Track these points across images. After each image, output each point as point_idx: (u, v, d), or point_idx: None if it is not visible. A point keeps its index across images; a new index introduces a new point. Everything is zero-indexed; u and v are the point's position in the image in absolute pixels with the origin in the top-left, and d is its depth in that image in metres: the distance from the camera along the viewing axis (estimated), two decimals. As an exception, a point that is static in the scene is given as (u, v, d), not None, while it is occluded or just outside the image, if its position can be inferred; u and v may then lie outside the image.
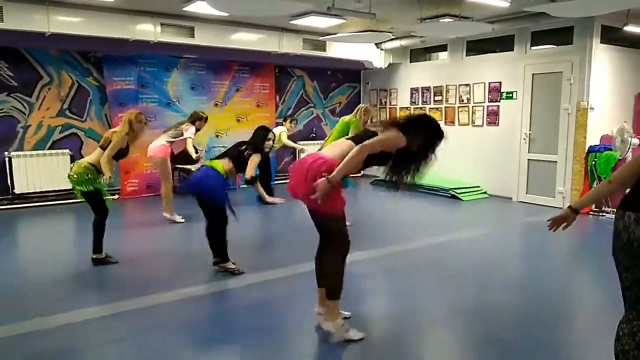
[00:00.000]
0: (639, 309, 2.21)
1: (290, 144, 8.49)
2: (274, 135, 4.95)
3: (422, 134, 3.16)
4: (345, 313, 3.24)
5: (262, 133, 4.64)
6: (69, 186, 4.72)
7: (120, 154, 4.62)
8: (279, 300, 3.83)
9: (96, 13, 6.59)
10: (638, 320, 2.21)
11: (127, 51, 7.71)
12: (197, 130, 6.71)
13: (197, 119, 6.71)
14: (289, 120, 8.57)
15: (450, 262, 4.85)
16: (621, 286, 2.28)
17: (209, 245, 4.38)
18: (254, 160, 4.35)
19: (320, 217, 3.06)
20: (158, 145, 6.37)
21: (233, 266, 4.34)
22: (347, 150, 2.95)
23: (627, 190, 2.24)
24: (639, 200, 2.16)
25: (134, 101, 8.08)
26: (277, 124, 8.82)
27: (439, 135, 3.30)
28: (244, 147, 4.43)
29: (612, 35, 7.10)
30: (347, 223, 3.26)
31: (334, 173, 2.84)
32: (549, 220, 2.53)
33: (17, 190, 7.28)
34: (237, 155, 4.37)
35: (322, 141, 10.04)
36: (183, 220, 6.29)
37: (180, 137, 6.56)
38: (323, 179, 2.81)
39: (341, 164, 2.88)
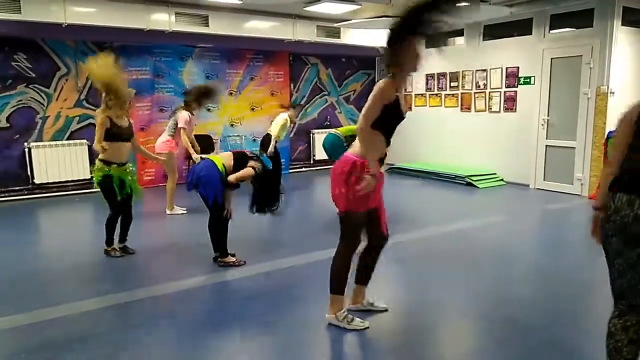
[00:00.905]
0: (630, 299, 2.12)
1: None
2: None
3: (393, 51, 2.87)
4: (365, 323, 3.13)
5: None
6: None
7: (117, 133, 4.43)
8: (282, 291, 3.84)
9: (111, 3, 6.64)
10: (630, 314, 2.12)
11: (142, 41, 7.75)
12: (194, 110, 6.15)
13: (191, 100, 6.10)
14: (293, 108, 7.51)
15: (466, 250, 4.82)
16: (610, 277, 2.19)
17: (210, 240, 4.38)
18: (247, 171, 4.17)
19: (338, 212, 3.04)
20: (161, 141, 6.25)
21: (233, 259, 4.31)
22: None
23: (618, 172, 2.14)
24: (631, 182, 2.06)
25: (150, 91, 8.14)
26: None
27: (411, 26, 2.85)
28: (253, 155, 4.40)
29: (634, 17, 6.91)
30: None
31: (368, 163, 2.82)
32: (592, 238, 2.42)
33: (36, 180, 7.41)
34: (242, 155, 4.35)
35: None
36: (185, 211, 6.23)
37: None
38: (366, 176, 2.79)
39: (359, 149, 2.88)
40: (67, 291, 3.86)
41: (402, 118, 2.97)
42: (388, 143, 2.98)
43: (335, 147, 5.58)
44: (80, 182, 7.64)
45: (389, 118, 2.87)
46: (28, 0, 6.11)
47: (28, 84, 7.37)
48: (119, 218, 4.62)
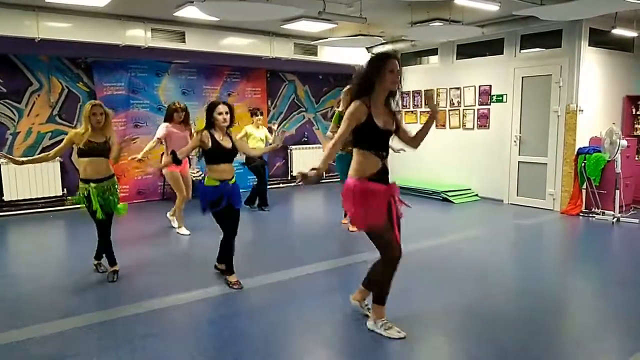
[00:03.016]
0: None
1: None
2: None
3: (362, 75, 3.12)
4: (402, 334, 3.21)
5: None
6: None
7: (90, 149, 4.26)
8: (282, 304, 3.82)
9: (86, 18, 6.57)
10: None
11: (117, 57, 7.67)
12: (173, 122, 5.94)
13: (170, 115, 5.99)
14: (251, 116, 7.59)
15: (442, 264, 4.86)
16: None
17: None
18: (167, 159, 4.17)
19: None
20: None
21: (234, 280, 4.20)
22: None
23: None
24: None
25: (125, 107, 8.04)
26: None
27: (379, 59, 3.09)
28: None
29: (600, 39, 7.19)
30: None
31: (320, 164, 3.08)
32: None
33: (6, 198, 7.20)
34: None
35: (314, 145, 10.14)
36: (189, 233, 6.04)
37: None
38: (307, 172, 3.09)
39: (353, 170, 3.13)
40: (38, 312, 3.74)
41: (384, 131, 3.10)
42: (383, 157, 3.14)
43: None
44: (52, 199, 7.46)
45: (367, 135, 3.05)
46: (0, 14, 6.00)
47: (-1, 99, 7.21)
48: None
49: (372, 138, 3.07)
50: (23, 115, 7.40)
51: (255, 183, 7.65)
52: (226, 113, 4.08)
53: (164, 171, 6.08)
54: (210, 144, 4.02)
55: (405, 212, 3.34)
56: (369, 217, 3.05)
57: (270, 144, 5.72)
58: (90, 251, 4.70)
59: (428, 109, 3.37)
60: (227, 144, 4.13)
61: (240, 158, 7.07)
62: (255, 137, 7.38)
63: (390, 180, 3.19)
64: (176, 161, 4.04)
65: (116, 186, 4.50)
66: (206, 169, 4.16)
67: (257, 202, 7.59)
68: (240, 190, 4.33)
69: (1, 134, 7.25)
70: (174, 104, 6.10)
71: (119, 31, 6.84)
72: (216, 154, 4.07)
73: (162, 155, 3.92)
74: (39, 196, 7.42)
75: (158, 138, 5.91)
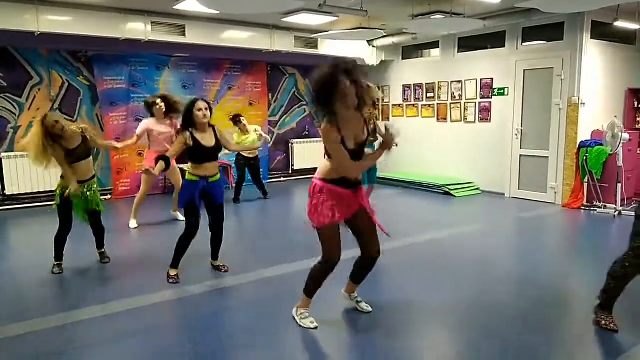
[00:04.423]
0: None
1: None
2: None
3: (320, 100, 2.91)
4: (314, 324, 3.27)
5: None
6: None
7: (73, 155, 4.25)
8: (271, 300, 3.83)
9: (86, 12, 6.54)
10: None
11: (117, 50, 7.65)
12: (155, 116, 5.89)
13: (149, 111, 5.94)
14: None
15: (444, 258, 4.86)
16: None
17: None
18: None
19: None
20: (149, 156, 5.86)
21: (172, 274, 4.19)
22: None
23: None
24: None
25: (125, 100, 8.03)
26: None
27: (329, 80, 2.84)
28: None
29: (602, 31, 7.14)
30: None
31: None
32: None
33: (7, 192, 7.22)
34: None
35: (315, 139, 10.12)
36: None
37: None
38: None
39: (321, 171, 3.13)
40: (36, 306, 3.75)
41: (354, 150, 3.02)
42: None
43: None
44: (53, 193, 7.43)
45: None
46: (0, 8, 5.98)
47: (-1, 93, 7.21)
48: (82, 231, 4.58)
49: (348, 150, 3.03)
50: (24, 109, 7.40)
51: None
52: (206, 109, 4.03)
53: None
54: (191, 144, 3.98)
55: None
56: (320, 215, 3.06)
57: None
58: (92, 243, 4.74)
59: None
60: (209, 142, 4.06)
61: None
62: (242, 143, 7.40)
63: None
64: (167, 166, 4.05)
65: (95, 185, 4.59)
66: (189, 164, 4.13)
67: (238, 197, 7.71)
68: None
69: (2, 127, 7.26)
70: (149, 98, 6.05)
71: (119, 25, 6.82)
72: (198, 154, 4.03)
73: (156, 159, 3.93)
74: (41, 190, 7.42)
75: (136, 134, 5.88)
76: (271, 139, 9.72)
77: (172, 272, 4.19)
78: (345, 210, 3.12)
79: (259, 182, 7.87)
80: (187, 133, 3.99)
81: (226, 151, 4.48)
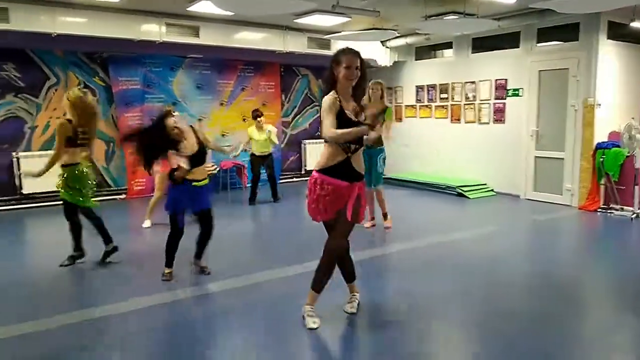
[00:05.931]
0: None
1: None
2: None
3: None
4: (314, 325, 3.26)
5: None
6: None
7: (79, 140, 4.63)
8: (264, 303, 3.83)
9: (101, 13, 6.62)
10: None
11: (132, 51, 7.74)
12: None
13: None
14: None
15: (458, 260, 4.83)
16: None
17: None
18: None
19: None
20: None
21: (167, 271, 4.26)
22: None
23: None
24: None
25: (140, 101, 8.12)
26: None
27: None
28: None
29: (618, 32, 7.04)
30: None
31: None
32: None
33: (25, 191, 7.32)
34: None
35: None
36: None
37: None
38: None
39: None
40: (48, 305, 3.79)
41: (355, 122, 3.11)
42: (350, 150, 3.14)
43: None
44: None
45: (339, 127, 3.06)
46: (17, 9, 6.07)
47: (17, 93, 7.32)
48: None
49: (344, 127, 3.08)
50: (41, 110, 7.51)
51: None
52: (172, 114, 4.07)
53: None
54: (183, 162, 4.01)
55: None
56: (317, 211, 3.19)
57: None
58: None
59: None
60: (190, 149, 4.05)
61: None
62: (255, 139, 7.47)
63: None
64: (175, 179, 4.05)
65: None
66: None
67: (254, 198, 7.67)
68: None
69: (20, 127, 7.37)
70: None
71: (133, 26, 6.89)
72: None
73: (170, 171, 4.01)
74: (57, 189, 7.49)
75: None
76: (284, 139, 9.77)
77: (166, 271, 4.27)
78: (340, 203, 3.18)
79: (273, 180, 7.74)
80: (170, 154, 4.00)
81: (239, 151, 4.52)
